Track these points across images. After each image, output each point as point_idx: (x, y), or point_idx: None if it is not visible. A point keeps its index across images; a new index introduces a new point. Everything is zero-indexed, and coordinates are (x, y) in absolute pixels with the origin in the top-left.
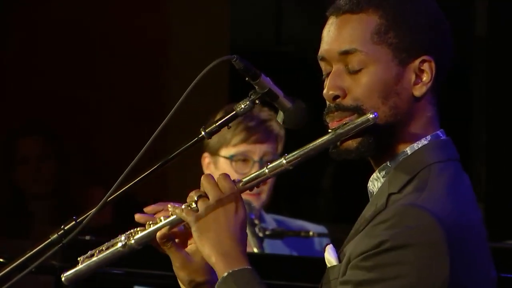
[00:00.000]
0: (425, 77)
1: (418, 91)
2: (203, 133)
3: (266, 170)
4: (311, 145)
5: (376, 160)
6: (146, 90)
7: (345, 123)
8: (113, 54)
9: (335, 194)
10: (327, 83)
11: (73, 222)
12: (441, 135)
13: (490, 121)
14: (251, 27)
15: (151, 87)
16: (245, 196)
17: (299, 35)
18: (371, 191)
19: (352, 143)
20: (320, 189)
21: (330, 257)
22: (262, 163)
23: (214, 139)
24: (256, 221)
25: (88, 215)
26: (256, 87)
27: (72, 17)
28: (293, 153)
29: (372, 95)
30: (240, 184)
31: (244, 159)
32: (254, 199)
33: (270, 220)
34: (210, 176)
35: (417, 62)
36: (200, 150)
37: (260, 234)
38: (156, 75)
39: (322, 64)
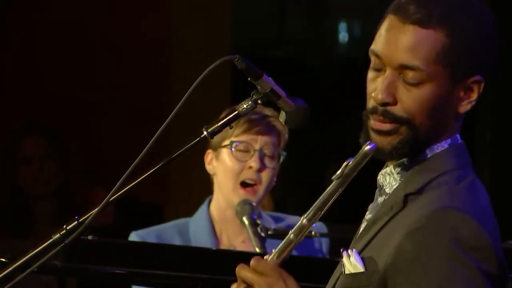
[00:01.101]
0: (473, 96)
1: (463, 108)
2: (205, 133)
3: (292, 236)
4: (323, 197)
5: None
6: (147, 90)
7: (347, 164)
8: (114, 54)
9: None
10: (378, 84)
11: (75, 222)
12: (459, 138)
13: (494, 121)
14: (252, 27)
15: (153, 87)
16: (243, 191)
17: (301, 35)
18: (381, 184)
19: (387, 146)
20: (323, 188)
21: (357, 263)
22: (262, 154)
23: (218, 137)
24: (258, 221)
25: (91, 215)
26: (258, 87)
27: (73, 17)
28: (310, 210)
29: (423, 111)
30: (275, 258)
31: (244, 147)
32: (251, 195)
33: (267, 217)
34: (243, 265)
35: (469, 81)
36: (202, 150)
37: (262, 234)
38: (157, 75)
39: (374, 58)
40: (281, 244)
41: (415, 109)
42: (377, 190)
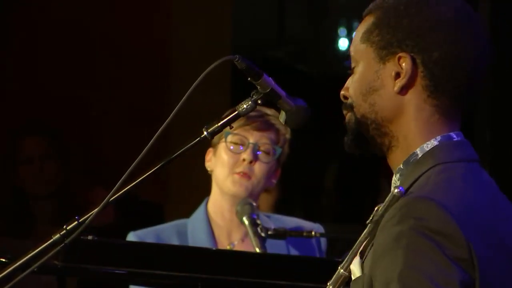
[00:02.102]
0: (402, 73)
1: (396, 86)
2: (205, 133)
3: (330, 287)
4: (355, 247)
5: (391, 164)
6: (147, 90)
7: (377, 208)
8: (114, 54)
9: (338, 194)
10: None
11: (76, 222)
12: (455, 136)
13: (494, 120)
14: (252, 28)
15: (153, 87)
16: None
17: (301, 35)
18: None
19: (347, 137)
20: (323, 189)
21: (354, 268)
22: (256, 148)
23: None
24: (258, 221)
25: (91, 215)
26: (258, 87)
27: (72, 17)
28: (345, 260)
29: (357, 93)
30: None
31: (239, 140)
32: (245, 180)
33: (265, 218)
34: None
35: (395, 59)
36: (202, 150)
37: (263, 234)
38: (157, 75)
39: None
40: None
41: (352, 92)
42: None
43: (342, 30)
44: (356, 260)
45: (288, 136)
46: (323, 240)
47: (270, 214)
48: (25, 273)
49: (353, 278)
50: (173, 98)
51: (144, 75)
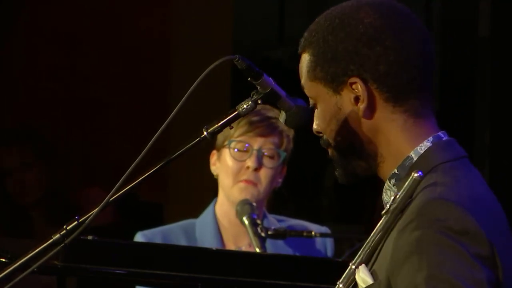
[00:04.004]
0: (360, 97)
1: (360, 111)
2: (205, 133)
3: (341, 285)
4: (370, 239)
5: (383, 176)
6: (147, 90)
7: (395, 197)
8: (114, 53)
9: (337, 194)
10: None
11: (75, 222)
12: (443, 136)
13: (494, 122)
14: (253, 27)
15: (153, 87)
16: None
17: (301, 35)
18: (385, 201)
19: (337, 171)
20: (323, 189)
21: (365, 276)
22: (261, 154)
23: (221, 137)
24: (258, 221)
25: (91, 215)
26: (258, 87)
27: (73, 17)
28: (358, 255)
29: (326, 128)
30: None
31: (243, 147)
32: (251, 187)
33: (273, 221)
34: None
35: (348, 86)
36: (202, 151)
37: (263, 234)
38: (158, 75)
39: None
40: None
41: (322, 128)
42: (384, 210)
43: None
44: (363, 269)
45: (292, 134)
46: (329, 243)
47: (277, 216)
48: (25, 273)
49: (363, 285)
50: (174, 98)
51: (145, 75)
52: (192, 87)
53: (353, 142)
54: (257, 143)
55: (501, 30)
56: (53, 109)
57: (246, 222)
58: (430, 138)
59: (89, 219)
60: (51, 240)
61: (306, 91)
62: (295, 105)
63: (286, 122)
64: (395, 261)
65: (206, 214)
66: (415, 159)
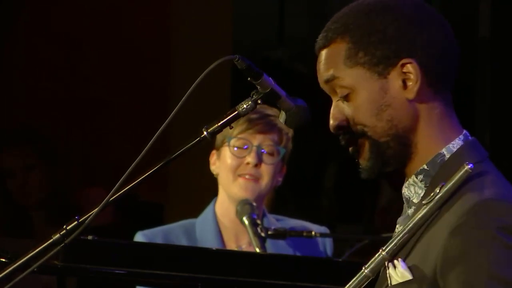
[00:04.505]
0: (412, 78)
1: (410, 93)
2: (205, 133)
3: (366, 271)
4: (407, 227)
5: (409, 171)
6: (147, 90)
7: (441, 186)
8: (114, 53)
9: (337, 194)
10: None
11: (75, 222)
12: (468, 134)
13: (494, 123)
14: (253, 27)
15: (153, 87)
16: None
17: (301, 35)
18: (407, 196)
19: (366, 163)
20: (323, 189)
21: (403, 270)
22: (260, 150)
23: (220, 136)
24: (258, 221)
25: (91, 215)
26: (258, 87)
27: (73, 17)
28: (391, 242)
29: (366, 116)
30: None
31: (242, 143)
32: (251, 183)
33: (273, 220)
34: None
35: (398, 68)
36: (203, 151)
37: (263, 234)
38: (158, 75)
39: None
40: (354, 280)
41: (359, 118)
42: (404, 204)
43: None
44: (402, 263)
45: (290, 133)
46: (329, 243)
47: (277, 216)
48: (25, 273)
49: (393, 282)
50: (173, 98)
51: (145, 74)
52: (192, 87)
53: (397, 127)
54: (256, 140)
55: (501, 31)
56: (53, 109)
57: (246, 222)
58: (461, 136)
59: (89, 219)
60: (51, 240)
61: (340, 82)
62: (295, 105)
63: (286, 122)
64: (448, 259)
65: (206, 213)
66: (447, 156)
